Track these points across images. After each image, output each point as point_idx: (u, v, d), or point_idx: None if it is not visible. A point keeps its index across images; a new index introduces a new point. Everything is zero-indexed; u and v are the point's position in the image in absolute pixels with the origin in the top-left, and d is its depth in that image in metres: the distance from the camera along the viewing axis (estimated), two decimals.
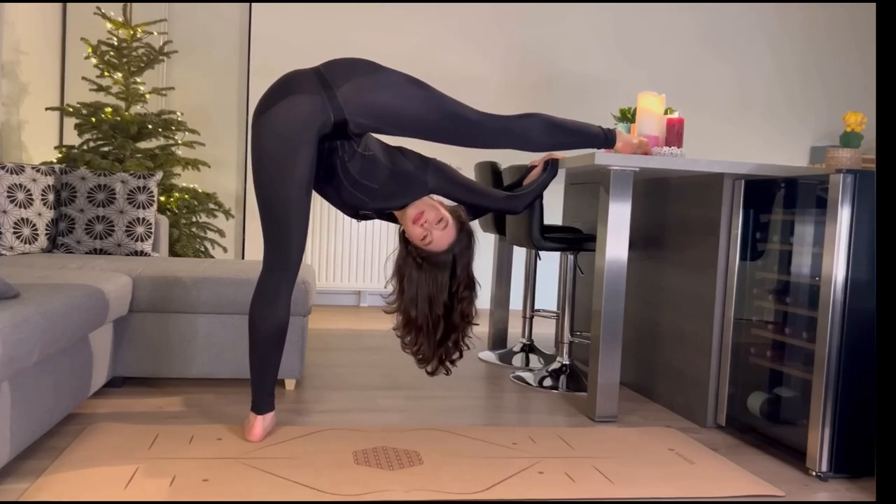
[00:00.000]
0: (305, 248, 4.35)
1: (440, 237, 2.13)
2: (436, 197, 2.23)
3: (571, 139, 2.29)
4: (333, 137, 2.05)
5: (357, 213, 2.22)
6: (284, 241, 2.03)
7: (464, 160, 4.06)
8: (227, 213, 4.31)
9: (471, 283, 2.19)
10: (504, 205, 2.37)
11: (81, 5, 4.64)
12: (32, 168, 3.20)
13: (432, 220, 2.12)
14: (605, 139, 2.34)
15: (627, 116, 2.95)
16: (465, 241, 2.18)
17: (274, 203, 2.00)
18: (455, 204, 2.27)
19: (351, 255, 4.91)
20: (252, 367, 2.13)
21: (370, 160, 2.11)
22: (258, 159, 2.00)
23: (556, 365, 3.04)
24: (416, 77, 2.12)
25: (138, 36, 4.19)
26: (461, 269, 2.17)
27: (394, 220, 2.28)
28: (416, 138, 2.15)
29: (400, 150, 2.22)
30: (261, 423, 2.11)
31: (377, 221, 5.04)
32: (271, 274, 2.07)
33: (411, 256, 2.15)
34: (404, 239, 2.21)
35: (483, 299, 4.61)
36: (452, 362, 2.22)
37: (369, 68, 2.07)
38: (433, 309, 2.14)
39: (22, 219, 3.11)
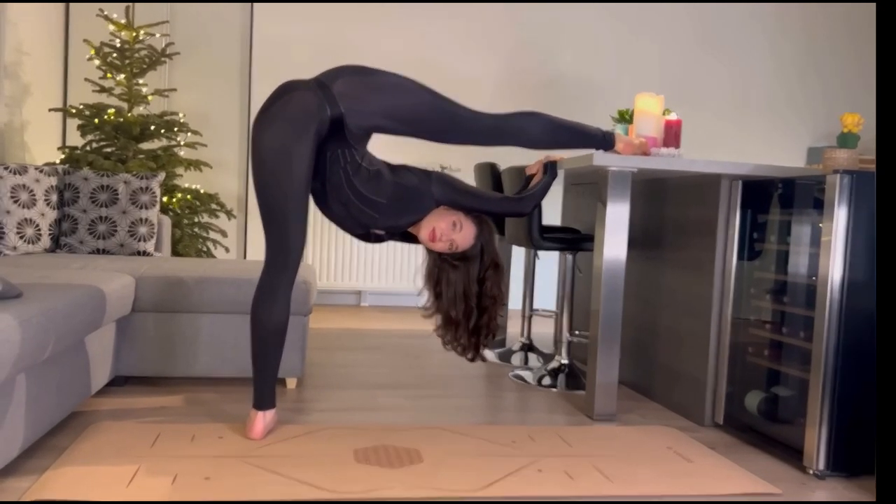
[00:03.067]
0: (306, 247, 4.38)
1: (462, 238, 2.19)
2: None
3: (569, 139, 2.32)
4: (333, 141, 2.07)
5: (368, 231, 2.24)
6: (284, 238, 2.06)
7: (464, 161, 4.07)
8: (230, 214, 4.33)
9: (495, 264, 2.26)
10: (511, 207, 2.38)
11: (84, 6, 4.66)
12: (35, 169, 3.22)
13: (447, 229, 2.17)
14: (604, 141, 2.36)
15: (626, 118, 2.97)
16: (486, 228, 2.25)
17: (273, 200, 2.03)
18: None
19: (351, 255, 4.92)
20: (253, 364, 2.15)
21: (375, 174, 2.14)
22: (257, 158, 2.04)
23: (554, 364, 3.05)
24: (411, 77, 2.16)
25: (140, 37, 4.20)
26: (487, 254, 2.24)
27: (408, 239, 2.32)
28: (412, 136, 2.18)
29: (402, 166, 2.25)
30: (262, 419, 2.12)
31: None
32: (272, 271, 2.09)
33: (446, 262, 2.22)
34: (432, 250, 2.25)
35: None
36: (486, 345, 2.29)
37: (363, 69, 2.14)
38: (468, 301, 2.22)
39: (25, 219, 3.13)
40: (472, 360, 2.29)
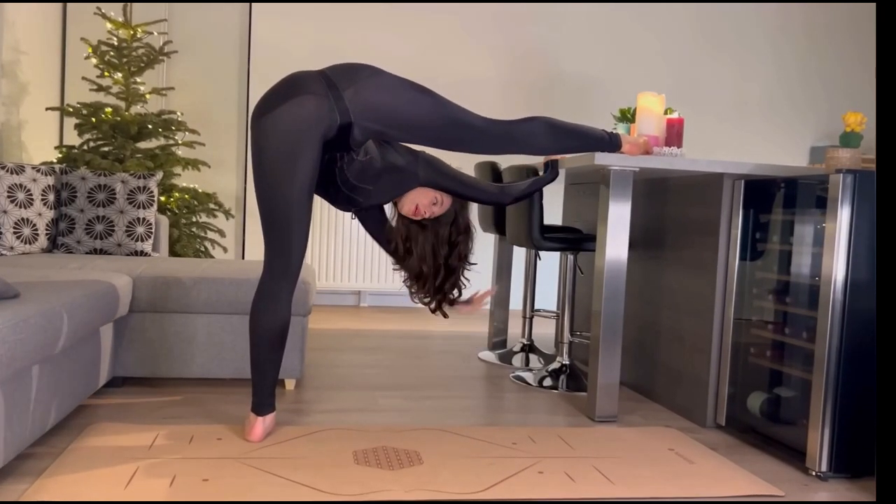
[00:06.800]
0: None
1: (441, 210, 2.31)
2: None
3: (575, 143, 2.31)
4: (334, 146, 2.05)
5: (349, 209, 2.34)
6: (286, 243, 2.03)
7: (464, 160, 4.06)
8: (227, 213, 4.32)
9: (466, 229, 2.38)
10: (490, 196, 2.43)
11: (81, 5, 4.64)
12: (33, 168, 3.20)
13: (428, 205, 2.27)
14: (610, 143, 2.35)
15: (627, 116, 2.96)
16: (459, 202, 2.37)
17: (275, 204, 2.00)
18: None
19: (351, 255, 4.91)
20: (253, 367, 2.12)
21: (367, 164, 2.16)
22: (261, 159, 2.00)
23: (555, 365, 3.04)
24: (418, 82, 2.14)
25: (138, 36, 4.19)
26: (459, 219, 2.36)
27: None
28: (420, 144, 2.17)
29: (389, 144, 2.29)
30: (261, 423, 2.11)
31: None
32: (272, 276, 2.06)
33: (416, 223, 2.32)
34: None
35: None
36: (452, 302, 2.42)
37: (373, 72, 2.09)
38: (437, 258, 2.33)
39: (22, 219, 3.11)
40: (434, 311, 2.42)
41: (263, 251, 2.08)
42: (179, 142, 4.25)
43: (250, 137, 2.05)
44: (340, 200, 2.24)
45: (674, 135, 2.57)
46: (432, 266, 2.35)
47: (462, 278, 2.42)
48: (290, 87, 2.00)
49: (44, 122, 4.49)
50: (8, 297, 1.74)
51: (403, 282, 2.42)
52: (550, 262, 4.93)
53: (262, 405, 2.12)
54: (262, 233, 2.08)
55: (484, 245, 4.85)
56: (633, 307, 3.00)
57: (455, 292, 2.43)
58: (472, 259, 2.44)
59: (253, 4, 4.86)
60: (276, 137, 1.96)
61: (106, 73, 4.10)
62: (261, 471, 1.85)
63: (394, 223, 2.41)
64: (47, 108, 4.26)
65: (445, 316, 2.46)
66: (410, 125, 2.09)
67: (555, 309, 4.28)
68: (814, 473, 2.03)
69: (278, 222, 2.01)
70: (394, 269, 2.49)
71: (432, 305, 2.44)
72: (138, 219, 3.26)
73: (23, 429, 1.75)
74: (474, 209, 2.57)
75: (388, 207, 2.42)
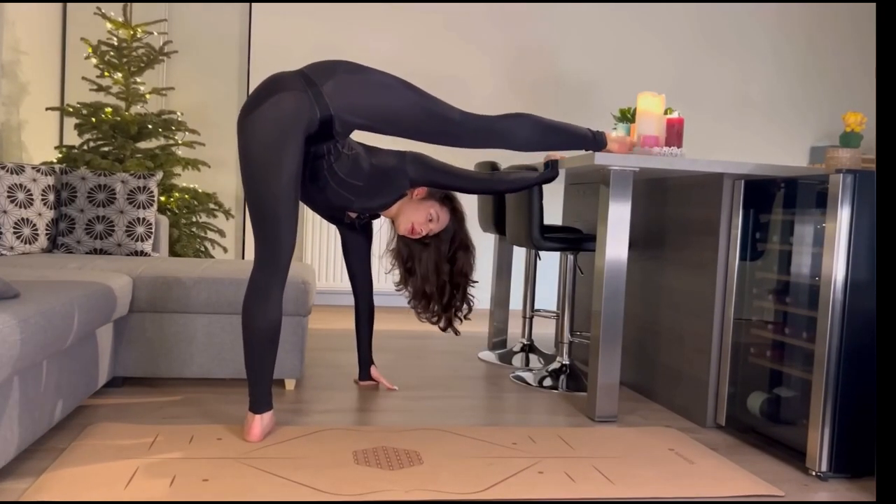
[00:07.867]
0: (304, 248, 4.38)
1: (438, 227, 2.45)
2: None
3: (558, 139, 2.37)
4: (319, 140, 2.12)
5: (342, 214, 2.43)
6: (275, 238, 2.05)
7: (464, 160, 4.07)
8: (227, 213, 4.32)
9: (465, 246, 2.50)
10: (482, 185, 2.49)
11: (81, 5, 4.65)
12: (32, 168, 3.20)
13: (424, 223, 2.41)
14: (594, 141, 2.38)
15: (627, 116, 2.96)
16: (458, 215, 2.50)
17: (263, 200, 2.03)
18: None
19: None
20: (248, 366, 2.13)
21: (354, 158, 2.25)
22: (246, 158, 2.05)
23: (555, 365, 3.04)
24: (404, 78, 2.23)
25: (138, 36, 4.19)
26: (458, 235, 2.49)
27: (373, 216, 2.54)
28: (402, 136, 2.22)
29: (376, 148, 2.40)
30: (259, 422, 2.11)
31: (377, 222, 5.03)
32: (263, 272, 2.08)
33: (416, 241, 2.46)
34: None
35: (483, 299, 4.62)
36: (461, 318, 2.55)
37: (352, 67, 2.15)
38: (441, 276, 2.45)
39: (22, 219, 3.11)
40: (444, 329, 2.54)
41: (254, 248, 2.10)
42: (179, 142, 4.25)
43: (237, 138, 2.08)
44: (332, 202, 2.30)
45: (674, 135, 2.57)
46: (436, 284, 2.44)
47: (469, 294, 2.51)
48: (270, 87, 2.06)
49: (44, 122, 4.49)
50: (8, 297, 1.74)
51: (408, 302, 2.51)
52: (550, 262, 4.93)
53: (259, 403, 2.13)
54: (252, 230, 2.12)
55: (484, 245, 4.86)
56: (633, 307, 3.00)
57: (465, 308, 2.53)
58: (475, 277, 2.54)
59: (253, 4, 4.86)
60: (259, 134, 2.01)
61: (106, 73, 4.10)
62: (261, 471, 1.85)
63: (393, 245, 2.53)
64: (47, 108, 4.26)
65: (457, 333, 2.55)
66: (389, 117, 2.14)
67: (555, 309, 4.28)
68: (814, 473, 2.03)
69: (267, 217, 2.04)
70: (396, 290, 2.57)
71: (441, 324, 2.52)
72: (138, 219, 3.26)
73: (23, 428, 1.74)
74: (473, 216, 2.69)
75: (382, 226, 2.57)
